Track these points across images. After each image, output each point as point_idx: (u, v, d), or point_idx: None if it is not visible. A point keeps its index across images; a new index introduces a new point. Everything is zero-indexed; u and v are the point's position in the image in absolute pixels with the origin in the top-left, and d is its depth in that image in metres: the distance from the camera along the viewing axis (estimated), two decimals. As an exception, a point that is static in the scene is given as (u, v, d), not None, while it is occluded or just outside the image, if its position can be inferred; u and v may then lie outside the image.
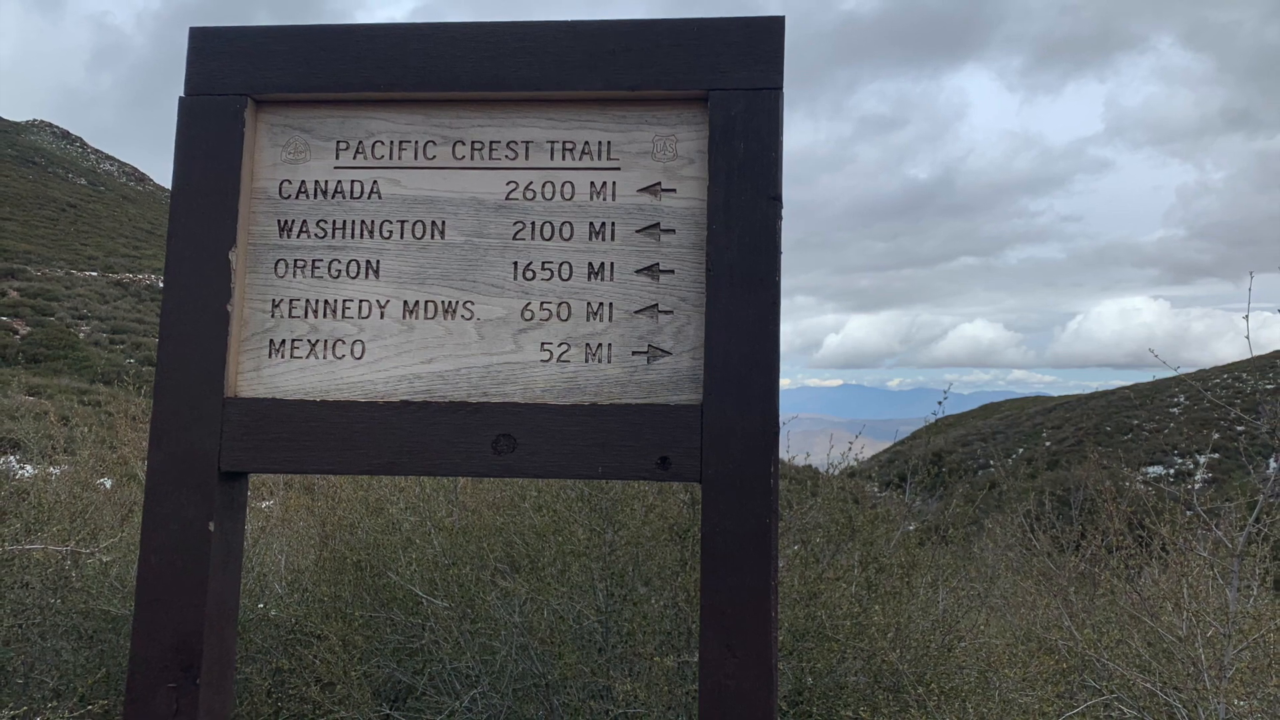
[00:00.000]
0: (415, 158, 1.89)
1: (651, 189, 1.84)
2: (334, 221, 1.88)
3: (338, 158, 1.90)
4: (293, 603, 5.15)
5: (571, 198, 1.86)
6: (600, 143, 1.86)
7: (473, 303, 1.84)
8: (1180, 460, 36.21)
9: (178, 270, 1.84)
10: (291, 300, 1.87)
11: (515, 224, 1.86)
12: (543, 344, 1.82)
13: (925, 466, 7.35)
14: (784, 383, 1.81)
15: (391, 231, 1.87)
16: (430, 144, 1.89)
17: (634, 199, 1.84)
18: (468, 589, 4.61)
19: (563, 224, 1.85)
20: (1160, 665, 4.04)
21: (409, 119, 1.90)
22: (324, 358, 1.85)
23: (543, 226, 1.85)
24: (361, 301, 1.86)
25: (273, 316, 1.87)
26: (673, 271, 1.81)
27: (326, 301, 1.87)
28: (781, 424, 1.74)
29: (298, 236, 1.89)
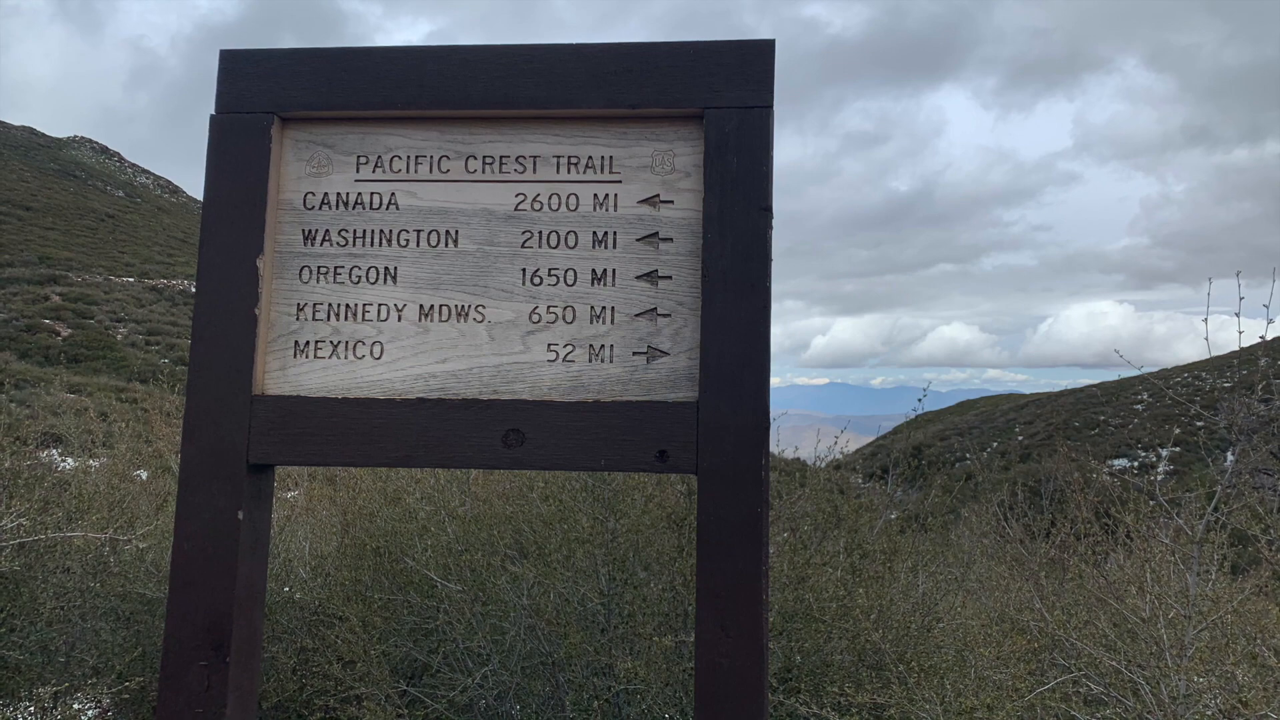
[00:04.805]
0: (430, 171, 1.89)
1: (651, 200, 1.84)
2: (355, 231, 1.88)
3: (358, 171, 1.90)
4: (316, 586, 5.16)
5: (576, 209, 1.85)
6: (603, 157, 1.86)
7: (484, 306, 1.84)
8: (1144, 453, 36.17)
9: (209, 276, 1.84)
10: (315, 304, 1.87)
11: (524, 233, 1.86)
12: (549, 345, 1.82)
13: (906, 459, 7.35)
14: (774, 381, 1.80)
15: (408, 240, 1.87)
16: (444, 158, 1.89)
17: (634, 210, 1.84)
18: (479, 573, 4.61)
19: (568, 233, 1.85)
20: (1125, 645, 4.03)
21: (424, 135, 1.90)
22: (345, 358, 1.85)
23: (549, 235, 1.85)
24: (380, 305, 1.86)
25: (297, 319, 1.87)
26: (670, 277, 1.81)
27: (348, 305, 1.87)
28: (772, 420, 1.74)
29: (321, 245, 1.88)
